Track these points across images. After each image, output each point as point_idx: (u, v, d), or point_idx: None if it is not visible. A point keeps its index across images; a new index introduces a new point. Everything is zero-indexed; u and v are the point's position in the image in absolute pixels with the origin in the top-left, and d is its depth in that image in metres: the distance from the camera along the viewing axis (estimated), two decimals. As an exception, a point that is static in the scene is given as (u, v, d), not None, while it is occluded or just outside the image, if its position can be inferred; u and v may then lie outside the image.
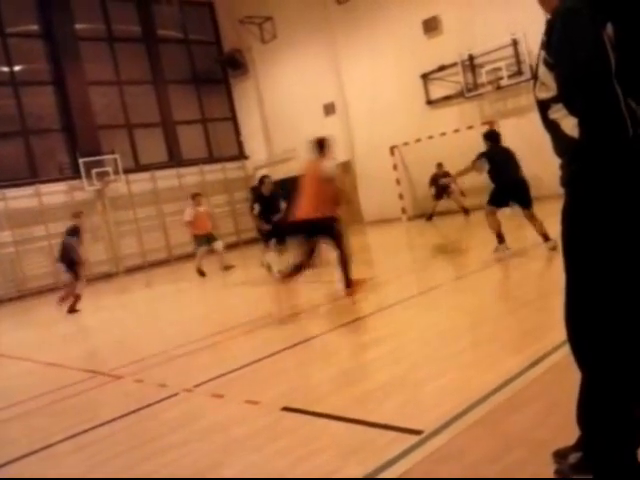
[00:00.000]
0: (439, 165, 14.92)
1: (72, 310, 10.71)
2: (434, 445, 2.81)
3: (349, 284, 7.25)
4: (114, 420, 4.18)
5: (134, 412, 4.29)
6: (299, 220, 7.06)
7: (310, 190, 7.04)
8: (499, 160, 7.97)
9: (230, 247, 20.24)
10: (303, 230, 7.00)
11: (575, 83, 1.79)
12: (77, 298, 10.82)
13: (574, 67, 1.79)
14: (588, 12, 1.79)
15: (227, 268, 13.10)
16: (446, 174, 13.84)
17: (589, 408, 1.99)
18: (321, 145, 7.24)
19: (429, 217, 15.30)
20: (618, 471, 1.95)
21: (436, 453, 2.74)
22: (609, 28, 1.78)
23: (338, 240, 7.18)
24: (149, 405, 4.39)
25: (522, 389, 3.29)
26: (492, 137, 8.37)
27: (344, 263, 7.21)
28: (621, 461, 1.95)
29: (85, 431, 4.04)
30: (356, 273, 7.41)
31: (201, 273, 12.76)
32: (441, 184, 14.00)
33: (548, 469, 2.46)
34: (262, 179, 11.13)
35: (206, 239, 13.00)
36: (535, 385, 3.29)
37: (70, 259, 10.74)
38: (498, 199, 8.00)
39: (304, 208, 7.00)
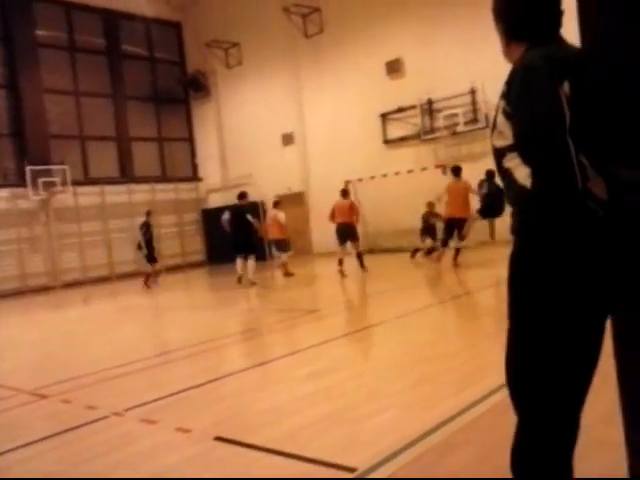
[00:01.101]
0: (430, 204, 13.74)
1: (149, 284, 14.33)
2: (368, 484, 2.75)
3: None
4: (36, 442, 3.94)
5: (58, 434, 4.07)
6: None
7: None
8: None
9: (174, 269, 19.92)
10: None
11: (531, 135, 1.85)
12: (156, 275, 14.89)
13: (531, 119, 1.85)
14: (547, 69, 1.88)
15: (285, 274, 13.86)
16: (437, 214, 13.38)
17: (521, 456, 1.98)
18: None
19: (413, 253, 13.95)
20: None
21: (391, 478, 2.68)
22: (565, 86, 1.86)
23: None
24: (76, 427, 4.17)
25: (458, 430, 3.27)
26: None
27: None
28: None
29: (3, 453, 3.79)
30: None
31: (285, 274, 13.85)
32: (432, 223, 13.62)
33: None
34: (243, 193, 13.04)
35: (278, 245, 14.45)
36: (471, 427, 3.28)
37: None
38: None
39: None
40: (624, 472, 1.92)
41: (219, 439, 3.57)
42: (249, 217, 12.38)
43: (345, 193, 13.14)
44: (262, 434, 3.56)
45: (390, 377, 4.63)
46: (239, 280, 12.43)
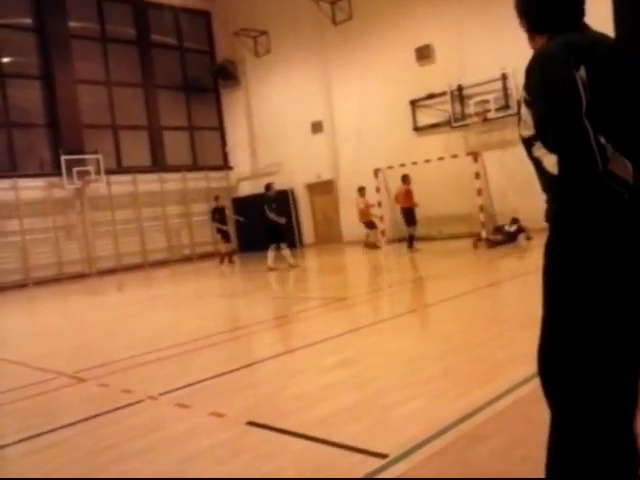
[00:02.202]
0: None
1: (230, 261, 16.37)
2: (399, 470, 2.79)
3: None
4: (74, 424, 4.08)
5: (95, 417, 4.20)
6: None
7: None
8: None
9: (205, 257, 20.15)
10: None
11: (548, 120, 1.87)
12: (230, 255, 16.43)
13: (548, 106, 1.88)
14: (561, 55, 1.90)
15: (367, 246, 16.21)
16: None
17: (562, 458, 1.88)
18: None
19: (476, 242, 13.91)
20: None
21: (401, 478, 2.71)
22: (582, 70, 1.88)
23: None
24: (112, 410, 4.30)
25: (487, 420, 3.29)
26: None
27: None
28: None
29: (42, 434, 3.94)
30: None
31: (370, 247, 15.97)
32: None
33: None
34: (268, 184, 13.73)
35: (368, 226, 16.36)
36: (501, 417, 3.29)
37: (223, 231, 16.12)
38: None
39: None
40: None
41: (251, 424, 3.64)
42: (266, 209, 13.05)
43: (405, 179, 14.31)
44: (293, 419, 3.62)
45: (419, 365, 4.65)
46: (269, 269, 13.02)
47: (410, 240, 14.08)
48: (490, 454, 2.85)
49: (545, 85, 1.90)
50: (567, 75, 1.87)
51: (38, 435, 3.91)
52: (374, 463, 2.88)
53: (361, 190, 16.42)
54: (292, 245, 19.61)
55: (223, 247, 16.69)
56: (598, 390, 1.82)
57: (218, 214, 16.10)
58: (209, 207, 17.07)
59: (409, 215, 14.14)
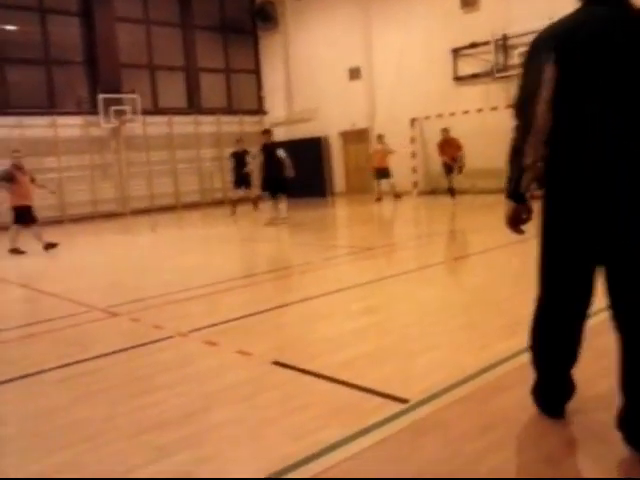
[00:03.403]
0: None
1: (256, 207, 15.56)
2: (418, 415, 2.85)
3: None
4: (107, 355, 4.24)
5: (127, 349, 4.36)
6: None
7: None
8: None
9: (240, 201, 20.27)
10: None
11: (513, 105, 2.37)
12: (255, 202, 15.76)
13: (516, 92, 2.36)
14: (540, 45, 2.27)
15: (378, 199, 16.15)
16: None
17: (532, 326, 2.66)
18: None
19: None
20: None
21: (419, 423, 2.77)
22: (552, 63, 2.21)
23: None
24: (143, 344, 4.45)
25: (510, 372, 3.32)
26: None
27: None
28: None
29: (77, 362, 4.11)
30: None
31: (377, 199, 16.10)
32: None
33: (526, 450, 2.51)
34: (265, 129, 12.97)
35: (381, 173, 16.25)
36: (523, 369, 3.30)
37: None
38: None
39: None
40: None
41: (277, 363, 3.74)
42: (280, 153, 12.32)
43: (445, 131, 14.51)
44: (318, 362, 3.70)
45: (443, 316, 4.68)
46: (272, 221, 12.44)
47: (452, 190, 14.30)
48: (511, 404, 2.88)
49: (522, 71, 2.34)
50: (532, 66, 2.26)
51: (73, 363, 4.09)
52: (395, 407, 2.95)
53: (380, 137, 16.57)
54: (324, 194, 19.63)
55: (234, 194, 15.69)
56: (552, 288, 2.53)
57: (236, 159, 15.18)
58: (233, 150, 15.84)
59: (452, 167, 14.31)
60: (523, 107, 2.27)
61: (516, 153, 2.32)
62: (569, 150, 2.25)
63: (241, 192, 15.59)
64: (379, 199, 16.20)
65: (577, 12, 2.29)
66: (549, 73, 2.17)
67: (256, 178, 14.69)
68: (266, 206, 14.31)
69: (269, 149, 12.36)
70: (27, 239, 10.73)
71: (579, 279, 2.44)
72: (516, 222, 2.47)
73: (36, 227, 10.62)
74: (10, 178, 10.34)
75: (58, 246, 10.61)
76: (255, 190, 15.52)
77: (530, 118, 2.23)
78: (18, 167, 10.58)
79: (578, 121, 2.22)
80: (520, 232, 2.52)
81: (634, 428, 2.33)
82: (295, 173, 12.43)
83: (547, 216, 2.42)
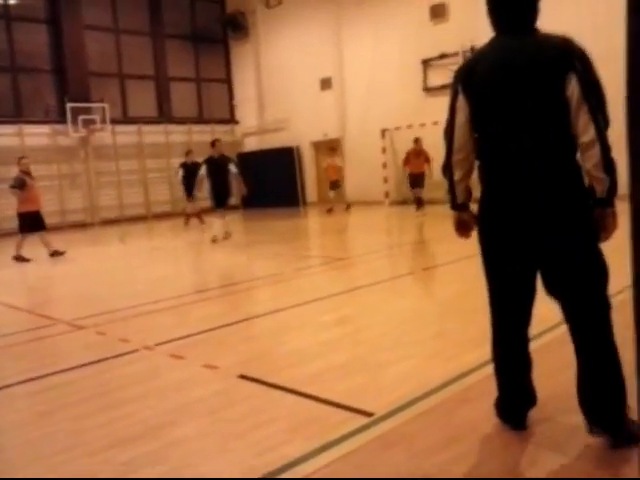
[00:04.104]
0: None
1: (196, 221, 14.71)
2: (384, 428, 2.84)
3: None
4: (72, 369, 4.16)
5: (93, 363, 4.28)
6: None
7: None
8: None
9: (208, 211, 20.13)
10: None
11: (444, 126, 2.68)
12: (191, 215, 14.98)
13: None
14: (454, 81, 2.61)
15: (329, 211, 16.21)
16: None
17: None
18: None
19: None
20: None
21: (384, 436, 2.77)
22: (460, 94, 2.57)
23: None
24: (108, 358, 4.38)
25: (477, 382, 3.33)
26: None
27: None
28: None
29: (42, 376, 4.02)
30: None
31: (329, 210, 16.23)
32: None
33: (489, 462, 2.52)
34: (214, 141, 11.79)
35: (333, 185, 16.52)
36: (490, 380, 3.33)
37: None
38: None
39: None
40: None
41: (243, 377, 3.71)
42: (232, 168, 11.42)
43: (417, 141, 14.06)
44: (285, 375, 3.68)
45: (414, 327, 4.70)
46: (214, 240, 11.35)
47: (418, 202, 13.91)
48: (476, 416, 2.89)
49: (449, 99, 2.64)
50: (451, 97, 2.60)
51: (37, 378, 4.00)
52: (361, 420, 2.94)
53: (332, 150, 16.82)
54: (296, 204, 19.61)
55: (188, 207, 15.04)
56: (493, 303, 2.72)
57: (184, 170, 14.52)
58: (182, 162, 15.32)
59: (418, 178, 13.83)
60: (446, 130, 2.62)
61: (446, 170, 2.66)
62: (489, 167, 2.57)
63: (192, 204, 14.83)
64: (331, 210, 16.27)
65: (488, 43, 2.58)
66: (460, 102, 2.54)
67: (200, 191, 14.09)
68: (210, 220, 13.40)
69: (216, 162, 11.29)
70: (34, 245, 10.63)
71: (518, 286, 2.59)
72: (462, 229, 2.79)
73: (45, 233, 10.69)
74: (23, 184, 10.38)
75: (65, 254, 10.65)
76: (200, 204, 14.78)
77: (451, 140, 2.59)
78: (27, 173, 10.65)
79: (488, 142, 2.53)
80: (467, 237, 2.80)
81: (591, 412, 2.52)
82: (247, 190, 11.76)
83: (482, 224, 2.63)
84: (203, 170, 11.30)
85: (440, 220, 12.69)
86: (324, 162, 17.05)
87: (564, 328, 3.47)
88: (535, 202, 2.40)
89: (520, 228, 2.46)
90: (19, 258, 10.41)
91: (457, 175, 2.62)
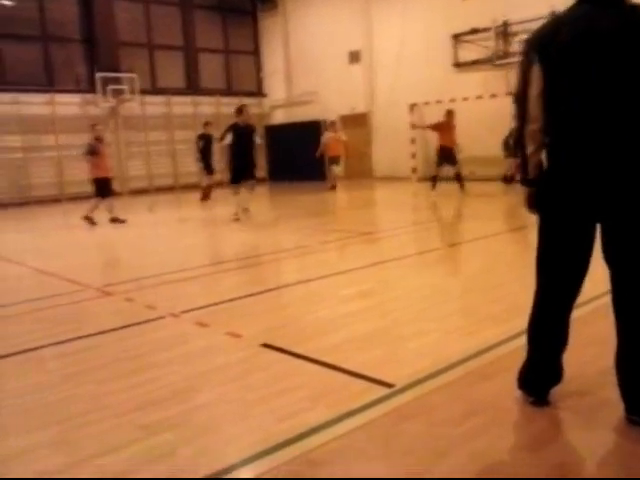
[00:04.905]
0: None
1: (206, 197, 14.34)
2: (402, 400, 2.88)
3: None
4: (100, 333, 4.27)
5: (120, 328, 4.39)
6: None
7: None
8: None
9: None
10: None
11: (514, 97, 2.65)
12: (209, 188, 14.48)
13: (516, 86, 2.61)
14: (527, 46, 2.52)
15: (332, 187, 15.83)
16: None
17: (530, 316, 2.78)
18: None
19: (507, 179, 13.62)
20: None
21: (404, 407, 2.81)
22: (536, 62, 2.46)
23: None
24: (136, 324, 4.48)
25: (498, 358, 3.35)
26: None
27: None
28: None
29: (70, 340, 4.14)
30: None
31: (332, 187, 15.76)
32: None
33: (508, 436, 2.54)
34: (241, 107, 10.67)
35: (334, 160, 15.91)
36: (511, 357, 3.34)
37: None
38: None
39: None
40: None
41: (266, 345, 3.77)
42: (257, 140, 10.66)
43: (450, 114, 13.06)
44: (306, 345, 3.73)
45: (435, 302, 4.71)
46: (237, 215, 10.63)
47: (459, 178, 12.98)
48: (496, 391, 2.91)
49: (519, 68, 2.56)
50: (523, 66, 2.51)
51: (65, 341, 4.12)
52: (381, 391, 2.98)
53: (331, 124, 16.30)
54: (322, 178, 19.55)
55: (204, 180, 14.62)
56: (550, 281, 2.68)
57: (204, 142, 14.11)
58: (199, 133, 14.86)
59: (449, 153, 12.84)
60: (519, 102, 2.55)
61: (518, 144, 2.60)
62: (561, 139, 2.48)
63: (210, 177, 14.48)
64: (335, 186, 15.81)
65: (567, 11, 2.47)
66: (535, 72, 2.45)
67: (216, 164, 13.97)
68: (223, 197, 13.03)
69: (243, 131, 10.25)
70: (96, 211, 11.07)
71: (577, 250, 2.55)
72: (531, 204, 2.68)
73: (111, 199, 11.13)
74: (95, 151, 10.81)
75: (125, 222, 10.96)
76: (213, 178, 14.51)
77: (524, 112, 2.52)
78: (100, 140, 11.08)
79: (563, 114, 2.45)
80: (537, 212, 2.69)
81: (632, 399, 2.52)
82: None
83: (549, 193, 2.56)
84: (229, 139, 10.22)
85: (463, 197, 12.59)
86: (326, 135, 16.01)
87: (596, 303, 3.46)
88: (611, 175, 2.37)
89: (590, 199, 2.44)
90: (88, 219, 10.90)
91: (530, 148, 2.55)
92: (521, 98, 2.54)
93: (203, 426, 2.75)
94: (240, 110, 10.53)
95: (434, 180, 13.19)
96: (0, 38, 16.79)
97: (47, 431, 2.80)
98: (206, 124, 14.80)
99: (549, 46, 2.42)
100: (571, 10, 2.46)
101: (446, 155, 12.82)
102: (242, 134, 10.16)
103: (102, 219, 11.01)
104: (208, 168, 14.21)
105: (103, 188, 10.94)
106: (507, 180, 13.81)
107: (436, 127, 13.04)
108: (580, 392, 2.84)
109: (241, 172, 10.40)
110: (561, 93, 2.43)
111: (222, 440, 2.63)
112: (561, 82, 2.42)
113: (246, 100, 21.47)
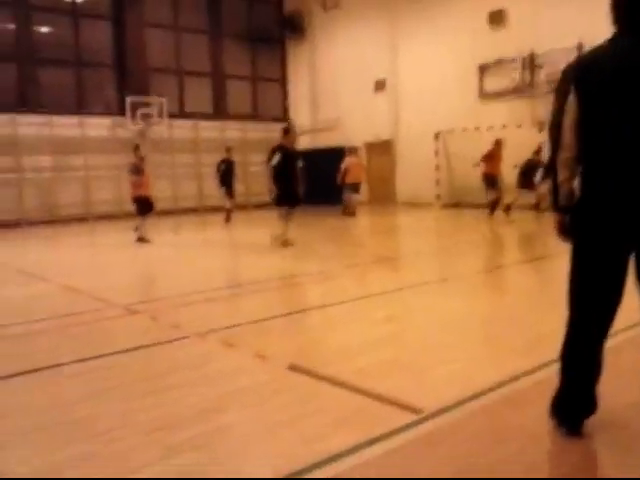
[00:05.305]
0: (537, 152, 13.43)
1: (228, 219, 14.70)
2: (431, 426, 2.83)
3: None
4: (124, 352, 4.28)
5: (144, 347, 4.40)
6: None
7: None
8: None
9: (260, 207, 20.38)
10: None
11: (548, 126, 2.66)
12: (230, 211, 14.82)
13: (551, 114, 2.65)
14: (566, 74, 2.55)
15: (351, 214, 15.40)
16: (541, 163, 12.99)
17: (562, 345, 2.74)
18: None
19: (507, 208, 13.23)
20: None
21: (430, 435, 2.76)
22: (572, 91, 2.49)
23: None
24: (160, 343, 4.49)
25: (526, 388, 3.29)
26: None
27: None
28: None
29: (95, 357, 4.16)
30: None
31: (350, 214, 15.34)
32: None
33: (538, 468, 2.48)
34: (288, 128, 10.03)
35: (356, 187, 15.41)
36: (540, 387, 3.28)
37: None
38: None
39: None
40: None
41: (292, 368, 3.75)
42: (300, 164, 10.00)
43: (498, 143, 13.24)
44: (333, 368, 3.70)
45: (462, 330, 4.65)
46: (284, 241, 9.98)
47: (493, 205, 13.13)
48: (525, 420, 2.86)
49: (554, 97, 2.61)
50: (559, 95, 2.55)
51: (90, 358, 4.13)
52: (408, 417, 2.94)
53: (352, 150, 15.94)
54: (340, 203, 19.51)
55: (227, 203, 14.84)
56: (585, 309, 2.64)
57: (225, 166, 14.58)
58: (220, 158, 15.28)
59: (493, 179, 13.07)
60: (553, 130, 2.58)
61: (550, 171, 2.63)
62: (595, 169, 2.51)
63: (231, 201, 14.94)
64: (354, 213, 15.41)
65: (608, 42, 2.47)
66: (570, 102, 2.48)
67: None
68: (270, 221, 12.59)
69: (291, 154, 9.76)
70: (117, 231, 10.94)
71: (611, 278, 2.54)
72: (562, 231, 2.70)
73: (146, 218, 11.45)
74: (139, 171, 11.27)
75: (150, 242, 11.19)
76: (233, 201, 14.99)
77: (558, 141, 2.55)
78: (142, 160, 11.55)
79: (598, 144, 2.47)
80: (568, 240, 2.70)
81: None
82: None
83: (582, 221, 2.57)
84: (276, 160, 9.45)
85: (491, 224, 12.51)
86: (348, 161, 15.50)
87: (627, 334, 3.40)
88: None
89: (624, 226, 2.45)
90: (141, 239, 11.24)
91: (562, 175, 2.59)
92: (555, 127, 2.56)
93: (228, 448, 2.73)
94: (287, 130, 9.94)
95: (492, 206, 13.15)
96: (36, 63, 17.29)
97: (74, 447, 2.79)
98: (228, 149, 15.12)
99: (587, 76, 2.44)
100: (610, 42, 2.47)
101: (489, 181, 13.07)
102: (290, 156, 9.67)
103: (130, 239, 11.13)
104: (230, 192, 14.61)
105: (144, 206, 11.29)
106: (537, 208, 13.72)
107: (486, 158, 13.19)
108: (614, 424, 2.77)
109: (290, 195, 9.69)
110: (597, 123, 2.45)
111: (246, 462, 2.60)
112: (596, 111, 2.44)
113: (271, 126, 21.76)
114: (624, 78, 2.35)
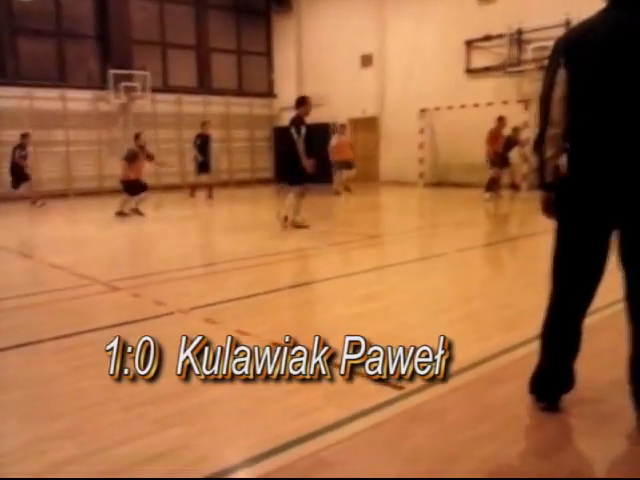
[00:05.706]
0: (515, 129, 13.29)
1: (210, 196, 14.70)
2: (414, 402, 2.87)
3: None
4: (105, 328, 4.25)
5: (127, 324, 4.39)
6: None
7: None
8: None
9: (243, 184, 20.26)
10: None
11: (538, 100, 2.61)
12: (210, 189, 14.92)
13: (540, 88, 2.61)
14: (555, 49, 2.54)
15: (344, 190, 14.95)
16: (520, 142, 13.12)
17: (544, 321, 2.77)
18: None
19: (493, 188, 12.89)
20: None
21: (414, 410, 2.80)
22: (562, 65, 2.46)
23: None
24: (143, 319, 4.48)
25: (508, 364, 3.34)
26: None
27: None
28: None
29: (77, 333, 4.14)
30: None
31: (337, 193, 14.88)
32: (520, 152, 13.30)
33: (518, 442, 2.53)
34: (304, 97, 9.15)
35: (346, 165, 15.02)
36: (521, 363, 3.33)
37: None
38: None
39: None
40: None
41: (274, 344, 3.75)
42: (293, 132, 8.88)
43: (501, 119, 13.03)
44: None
45: (442, 307, 4.70)
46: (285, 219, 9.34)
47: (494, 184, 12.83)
48: (507, 396, 2.91)
49: (545, 71, 2.59)
50: (549, 68, 2.52)
51: (73, 334, 4.12)
52: (391, 393, 2.97)
53: (342, 127, 15.63)
54: (330, 181, 19.52)
55: (204, 178, 15.09)
56: (565, 285, 2.68)
57: (201, 140, 14.71)
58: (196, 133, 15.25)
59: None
60: (542, 104, 2.55)
61: (537, 147, 2.60)
62: (582, 143, 2.48)
63: (203, 177, 15.06)
64: (340, 192, 14.89)
65: (596, 16, 2.46)
66: (561, 75, 2.46)
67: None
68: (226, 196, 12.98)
69: (310, 129, 9.15)
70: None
71: (594, 256, 2.56)
72: (549, 209, 2.68)
73: (134, 197, 11.56)
74: (133, 159, 11.59)
75: (128, 216, 11.34)
76: (213, 177, 14.90)
77: (547, 114, 2.52)
78: (142, 148, 11.99)
79: (587, 118, 2.44)
80: (553, 217, 2.69)
81: None
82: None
83: (568, 199, 2.56)
84: (303, 134, 8.72)
85: (469, 202, 12.56)
86: (335, 139, 15.13)
87: (604, 313, 3.43)
88: (632, 180, 2.37)
89: (609, 205, 2.44)
90: (136, 211, 11.42)
91: (549, 152, 2.56)
92: (545, 101, 2.53)
93: (214, 422, 2.75)
94: (302, 100, 9.00)
95: (492, 186, 12.84)
96: (15, 32, 16.89)
97: (61, 421, 2.80)
98: (203, 124, 15.13)
99: (577, 49, 2.43)
100: (601, 15, 2.46)
101: (498, 160, 12.87)
102: (310, 132, 8.83)
103: (112, 215, 11.02)
104: (205, 166, 14.70)
105: (133, 189, 11.46)
106: (514, 187, 13.76)
107: (491, 138, 12.95)
108: (591, 400, 2.83)
109: (304, 172, 8.89)
110: (586, 98, 2.44)
111: (232, 436, 2.62)
112: (588, 84, 2.42)
113: (256, 101, 21.56)
114: (613, 50, 2.35)
